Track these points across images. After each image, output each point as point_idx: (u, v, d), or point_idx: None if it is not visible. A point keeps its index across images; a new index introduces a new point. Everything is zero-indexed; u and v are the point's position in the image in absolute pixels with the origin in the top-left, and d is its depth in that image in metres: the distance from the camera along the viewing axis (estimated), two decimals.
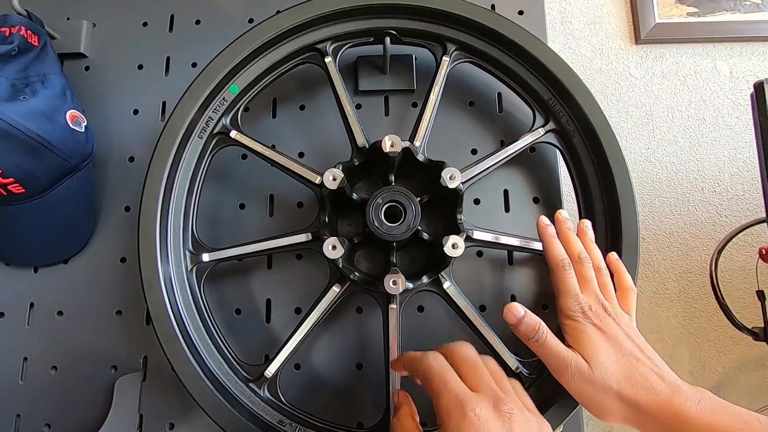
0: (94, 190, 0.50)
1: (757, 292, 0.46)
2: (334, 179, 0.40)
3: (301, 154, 0.51)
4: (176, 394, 0.47)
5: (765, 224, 0.38)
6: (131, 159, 0.52)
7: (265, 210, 0.50)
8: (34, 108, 0.42)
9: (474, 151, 0.51)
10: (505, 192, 0.50)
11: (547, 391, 0.40)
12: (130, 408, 0.45)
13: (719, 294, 0.47)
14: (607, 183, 0.44)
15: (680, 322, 0.61)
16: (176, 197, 0.42)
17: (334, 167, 0.40)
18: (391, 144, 0.40)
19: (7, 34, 0.44)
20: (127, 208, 0.51)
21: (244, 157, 0.51)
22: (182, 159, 0.42)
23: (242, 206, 0.50)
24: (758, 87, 0.40)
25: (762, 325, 0.44)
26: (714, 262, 0.48)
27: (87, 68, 0.54)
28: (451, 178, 0.41)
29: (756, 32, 0.73)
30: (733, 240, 0.51)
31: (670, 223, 0.67)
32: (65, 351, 0.48)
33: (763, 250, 0.42)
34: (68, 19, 0.55)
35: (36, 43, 0.46)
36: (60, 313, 0.49)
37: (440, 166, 0.41)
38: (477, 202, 0.50)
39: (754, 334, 0.45)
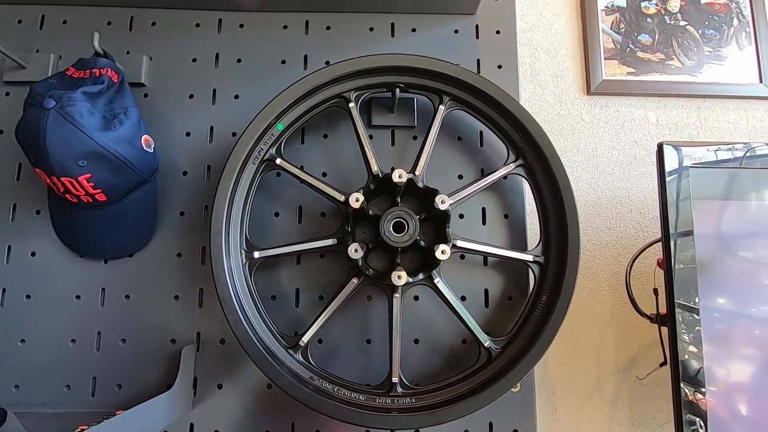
0: (156, 198, 0.60)
1: (653, 289, 0.64)
2: (357, 200, 0.53)
3: (324, 174, 0.63)
4: (223, 361, 0.58)
5: (660, 244, 0.54)
6: (184, 173, 0.63)
7: (295, 217, 0.62)
8: (122, 135, 0.53)
9: (460, 176, 0.64)
10: (483, 209, 0.63)
11: (510, 358, 0.53)
12: (190, 370, 0.58)
13: (630, 291, 0.63)
14: (559, 205, 0.56)
15: (609, 311, 0.78)
16: (235, 209, 0.53)
17: (357, 192, 0.53)
18: (398, 176, 0.53)
19: (98, 75, 0.55)
20: (182, 213, 0.62)
21: (278, 174, 0.63)
22: (240, 180, 0.53)
23: (276, 214, 0.62)
24: (660, 147, 0.55)
25: (656, 312, 0.61)
26: (629, 268, 0.65)
27: (146, 95, 0.64)
28: (442, 202, 0.54)
29: (677, 90, 0.93)
30: (649, 250, 0.68)
31: (606, 236, 0.83)
32: (132, 327, 0.59)
33: (659, 261, 0.57)
34: (128, 53, 0.64)
35: (116, 80, 0.56)
36: (127, 296, 0.60)
37: (434, 192, 0.54)
38: (461, 216, 0.63)
39: (651, 318, 0.62)
